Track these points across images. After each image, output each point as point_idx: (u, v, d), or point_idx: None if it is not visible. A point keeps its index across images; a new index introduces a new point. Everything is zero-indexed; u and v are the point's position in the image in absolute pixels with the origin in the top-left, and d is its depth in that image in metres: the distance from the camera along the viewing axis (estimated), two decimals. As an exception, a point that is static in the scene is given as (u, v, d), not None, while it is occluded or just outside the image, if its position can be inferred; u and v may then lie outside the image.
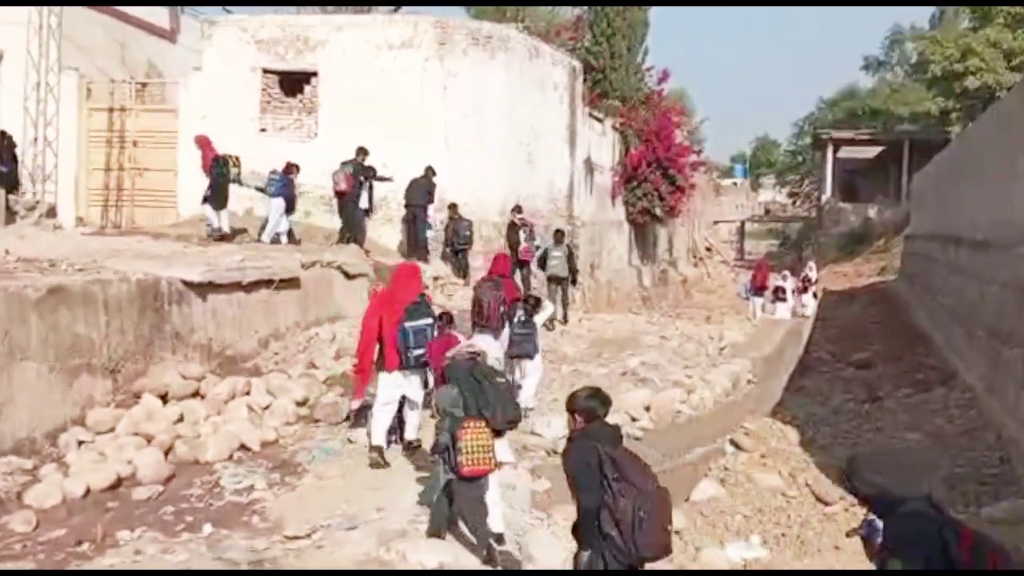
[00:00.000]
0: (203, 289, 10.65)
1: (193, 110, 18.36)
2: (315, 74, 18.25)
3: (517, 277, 15.54)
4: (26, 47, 16.42)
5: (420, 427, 8.80)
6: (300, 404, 10.24)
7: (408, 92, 17.82)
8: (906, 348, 18.49)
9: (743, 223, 58.34)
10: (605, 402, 5.01)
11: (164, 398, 9.43)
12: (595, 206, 24.42)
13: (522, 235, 16.52)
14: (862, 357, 19.91)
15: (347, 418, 9.72)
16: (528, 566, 6.83)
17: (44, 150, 16.64)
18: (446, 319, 8.84)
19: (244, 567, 6.21)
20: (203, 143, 15.62)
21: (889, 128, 45.15)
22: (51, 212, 16.50)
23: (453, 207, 17.04)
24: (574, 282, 17.29)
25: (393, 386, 8.48)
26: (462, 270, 16.90)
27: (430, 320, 8.41)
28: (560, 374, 12.95)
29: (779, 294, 22.59)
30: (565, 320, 16.84)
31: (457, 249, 16.92)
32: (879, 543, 3.55)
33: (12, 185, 15.93)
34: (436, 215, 17.13)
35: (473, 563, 6.50)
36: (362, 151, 16.28)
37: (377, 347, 8.39)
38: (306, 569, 6.25)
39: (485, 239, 17.78)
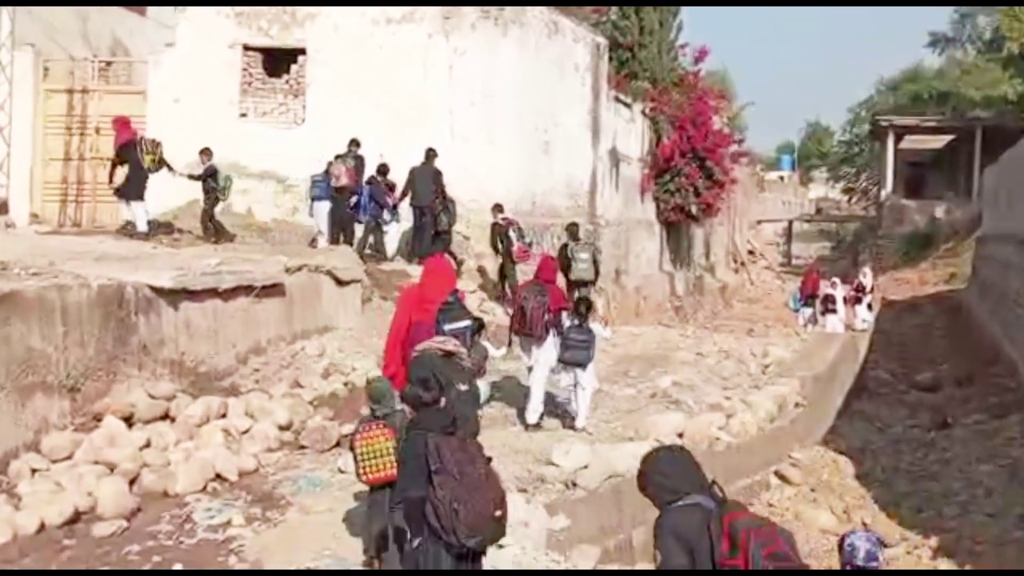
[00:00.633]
0: (174, 297, 10.61)
1: (164, 92, 18.46)
2: (303, 52, 18.38)
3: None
4: (-26, 21, 16.53)
5: None
6: (284, 428, 10.21)
7: (409, 73, 17.89)
8: (978, 367, 18.46)
9: (791, 223, 58.21)
10: (428, 386, 5.63)
11: (129, 421, 9.39)
12: (621, 203, 24.45)
13: (513, 234, 16.50)
14: (927, 377, 19.91)
15: (337, 444, 9.71)
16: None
17: (-6, 138, 16.77)
18: (476, 325, 9.01)
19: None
20: (118, 125, 15.62)
21: (959, 114, 45.01)
22: (2, 208, 16.61)
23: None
24: (594, 285, 17.24)
25: None
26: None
27: (468, 322, 8.60)
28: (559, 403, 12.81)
29: (828, 304, 22.52)
30: None
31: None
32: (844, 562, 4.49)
33: (-42, 178, 16.03)
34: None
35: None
36: (354, 143, 16.34)
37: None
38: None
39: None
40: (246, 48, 18.50)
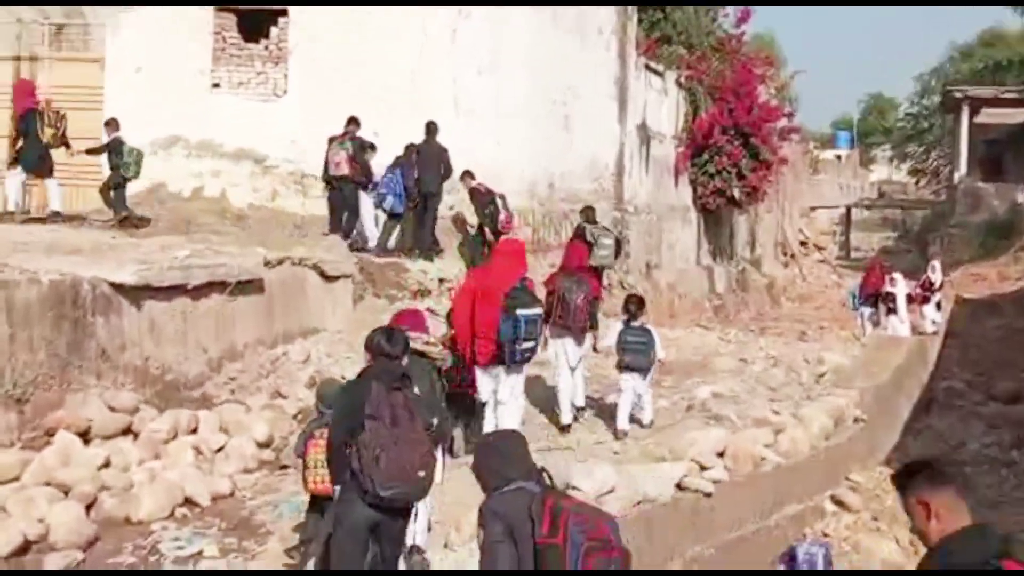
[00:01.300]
0: (137, 294, 10.60)
1: (124, 60, 18.54)
2: (284, 13, 18.28)
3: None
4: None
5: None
6: (263, 445, 10.21)
7: (406, 37, 17.83)
8: (1067, 376, 18.35)
9: (849, 209, 57.99)
10: (395, 341, 6.53)
11: (86, 436, 9.39)
12: (652, 186, 24.47)
13: (499, 201, 16.48)
14: (1008, 388, 19.83)
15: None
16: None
17: (-70, 112, 16.88)
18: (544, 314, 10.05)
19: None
20: (20, 91, 15.75)
21: (1045, 84, 44.89)
22: (-61, 193, 16.74)
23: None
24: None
25: (486, 385, 9.77)
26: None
27: (540, 310, 9.58)
28: (607, 407, 12.66)
29: (891, 304, 22.40)
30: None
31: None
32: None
33: None
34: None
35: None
36: (353, 121, 16.34)
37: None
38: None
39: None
40: (219, 8, 18.45)
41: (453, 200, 17.58)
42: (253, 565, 7.86)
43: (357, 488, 6.00)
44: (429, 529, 7.82)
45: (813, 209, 53.00)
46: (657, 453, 10.80)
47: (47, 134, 15.23)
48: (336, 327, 13.59)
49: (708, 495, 10.30)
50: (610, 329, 12.15)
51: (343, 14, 17.90)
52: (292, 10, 18.18)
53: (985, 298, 30.46)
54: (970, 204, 42.56)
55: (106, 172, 15.73)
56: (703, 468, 10.63)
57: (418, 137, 16.52)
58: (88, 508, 8.51)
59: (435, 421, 7.60)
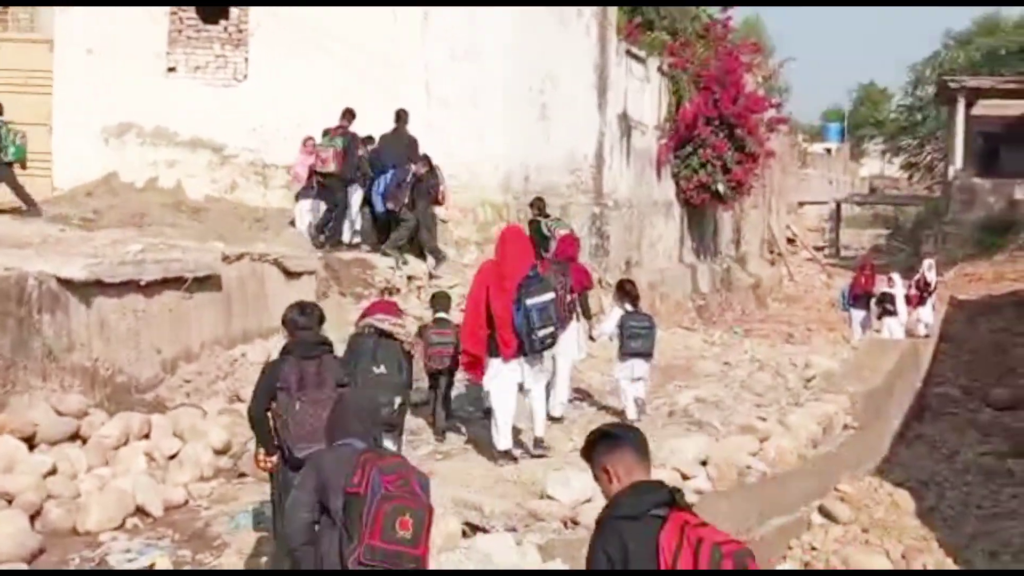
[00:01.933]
0: (86, 290, 10.58)
1: (74, 41, 18.42)
2: (245, -8, 18.31)
3: None
4: None
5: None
6: (220, 452, 10.19)
7: (375, 20, 17.75)
8: (1067, 382, 18.45)
9: (839, 205, 58.31)
10: (305, 311, 7.48)
11: (31, 442, 9.34)
12: (634, 180, 24.46)
13: (438, 171, 16.33)
14: (1005, 394, 19.93)
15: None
16: None
17: None
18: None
19: None
20: None
21: (1044, 75, 45.19)
22: None
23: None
24: None
25: (510, 376, 10.15)
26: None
27: (552, 295, 10.03)
28: (582, 413, 12.79)
29: (887, 305, 22.47)
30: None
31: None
32: None
33: None
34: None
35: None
36: (349, 114, 16.18)
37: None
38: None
39: (480, 225, 17.76)
40: (176, -14, 18.42)
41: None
42: (209, 579, 7.86)
43: (282, 448, 7.07)
44: None
45: (801, 205, 53.24)
46: (636, 462, 10.79)
47: None
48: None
49: (690, 505, 10.36)
50: (608, 316, 12.59)
51: (310, -4, 17.84)
52: (254, -11, 18.13)
53: (981, 299, 30.62)
54: (965, 200, 42.78)
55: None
56: (685, 477, 10.53)
57: (388, 126, 16.44)
58: (33, 518, 8.46)
59: (397, 400, 8.74)
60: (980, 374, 22.08)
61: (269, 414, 7.21)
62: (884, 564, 11.14)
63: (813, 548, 11.17)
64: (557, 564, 8.55)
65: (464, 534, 8.45)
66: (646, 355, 12.11)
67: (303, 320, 7.37)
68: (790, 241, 44.07)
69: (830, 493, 11.49)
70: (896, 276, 23.16)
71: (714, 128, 26.67)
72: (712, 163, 26.92)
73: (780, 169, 40.91)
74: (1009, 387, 20.51)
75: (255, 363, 12.22)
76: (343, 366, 7.62)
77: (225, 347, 12.48)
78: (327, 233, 16.08)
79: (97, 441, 9.69)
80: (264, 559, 8.11)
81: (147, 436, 10.06)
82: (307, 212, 16.52)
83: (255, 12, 18.09)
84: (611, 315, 12.43)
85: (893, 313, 22.28)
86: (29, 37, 19.25)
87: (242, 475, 9.94)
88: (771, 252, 40.63)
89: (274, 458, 7.19)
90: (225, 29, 18.37)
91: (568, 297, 11.66)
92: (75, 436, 9.72)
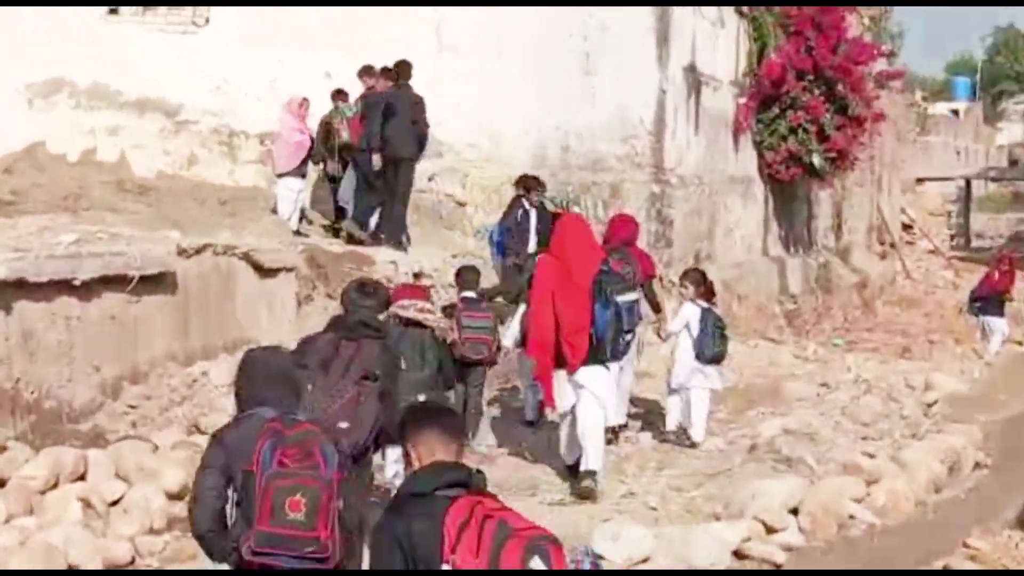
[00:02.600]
0: (5, 292, 10.59)
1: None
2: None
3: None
4: None
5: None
6: (175, 497, 9.90)
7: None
8: None
9: (969, 182, 58.43)
10: (367, 291, 7.96)
11: (-63, 483, 9.20)
12: (704, 150, 24.14)
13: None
14: None
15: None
16: None
17: None
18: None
19: None
20: None
21: None
22: None
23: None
24: None
25: (570, 394, 10.59)
26: None
27: (636, 295, 10.66)
28: (638, 448, 12.84)
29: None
30: None
31: None
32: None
33: None
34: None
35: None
36: (370, 72, 16.26)
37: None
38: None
39: (503, 199, 16.97)
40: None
41: (434, 168, 17.35)
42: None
43: None
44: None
45: (920, 182, 53.19)
46: (707, 509, 10.87)
47: None
48: (274, 337, 13.02)
49: (778, 567, 10.08)
50: (680, 312, 13.04)
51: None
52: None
53: None
54: None
55: None
56: (770, 530, 10.53)
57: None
58: (-60, 578, 8.23)
59: (420, 400, 8.80)
60: None
61: None
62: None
63: (937, 619, 11.07)
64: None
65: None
66: (719, 361, 12.76)
67: (362, 300, 7.76)
68: (906, 228, 44.23)
69: (958, 550, 11.21)
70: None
71: (808, 84, 26.26)
72: (805, 128, 26.54)
73: (893, 136, 40.60)
74: None
75: (219, 385, 12.17)
76: (386, 355, 7.77)
77: (181, 364, 12.52)
78: (376, 229, 16.14)
79: (19, 483, 9.60)
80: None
81: (83, 477, 9.92)
82: (294, 194, 16.51)
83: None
84: (683, 311, 12.87)
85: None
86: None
87: (201, 526, 9.65)
88: (881, 243, 40.57)
89: None
90: (181, -36, 18.03)
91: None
92: (-8, 477, 9.41)
